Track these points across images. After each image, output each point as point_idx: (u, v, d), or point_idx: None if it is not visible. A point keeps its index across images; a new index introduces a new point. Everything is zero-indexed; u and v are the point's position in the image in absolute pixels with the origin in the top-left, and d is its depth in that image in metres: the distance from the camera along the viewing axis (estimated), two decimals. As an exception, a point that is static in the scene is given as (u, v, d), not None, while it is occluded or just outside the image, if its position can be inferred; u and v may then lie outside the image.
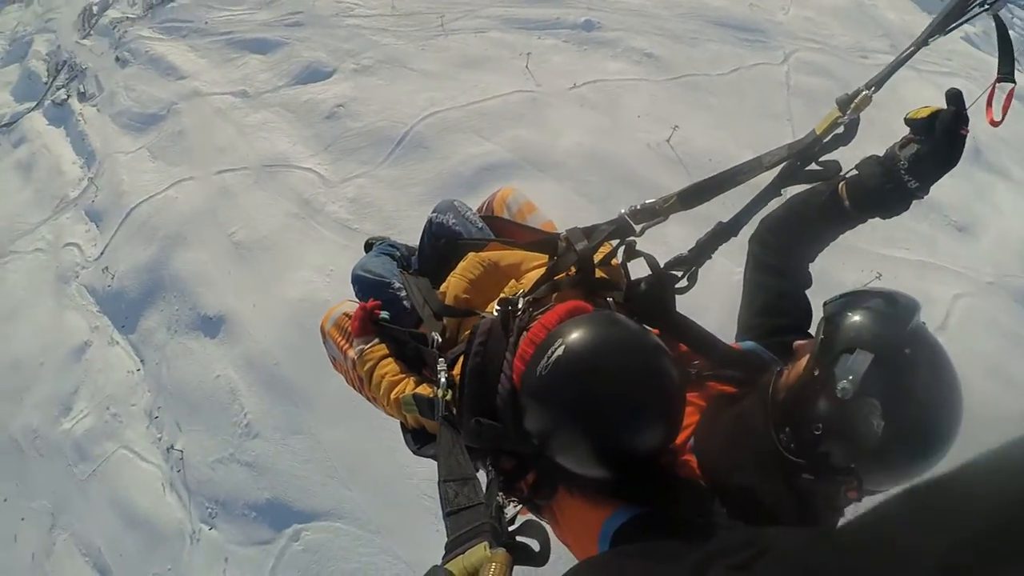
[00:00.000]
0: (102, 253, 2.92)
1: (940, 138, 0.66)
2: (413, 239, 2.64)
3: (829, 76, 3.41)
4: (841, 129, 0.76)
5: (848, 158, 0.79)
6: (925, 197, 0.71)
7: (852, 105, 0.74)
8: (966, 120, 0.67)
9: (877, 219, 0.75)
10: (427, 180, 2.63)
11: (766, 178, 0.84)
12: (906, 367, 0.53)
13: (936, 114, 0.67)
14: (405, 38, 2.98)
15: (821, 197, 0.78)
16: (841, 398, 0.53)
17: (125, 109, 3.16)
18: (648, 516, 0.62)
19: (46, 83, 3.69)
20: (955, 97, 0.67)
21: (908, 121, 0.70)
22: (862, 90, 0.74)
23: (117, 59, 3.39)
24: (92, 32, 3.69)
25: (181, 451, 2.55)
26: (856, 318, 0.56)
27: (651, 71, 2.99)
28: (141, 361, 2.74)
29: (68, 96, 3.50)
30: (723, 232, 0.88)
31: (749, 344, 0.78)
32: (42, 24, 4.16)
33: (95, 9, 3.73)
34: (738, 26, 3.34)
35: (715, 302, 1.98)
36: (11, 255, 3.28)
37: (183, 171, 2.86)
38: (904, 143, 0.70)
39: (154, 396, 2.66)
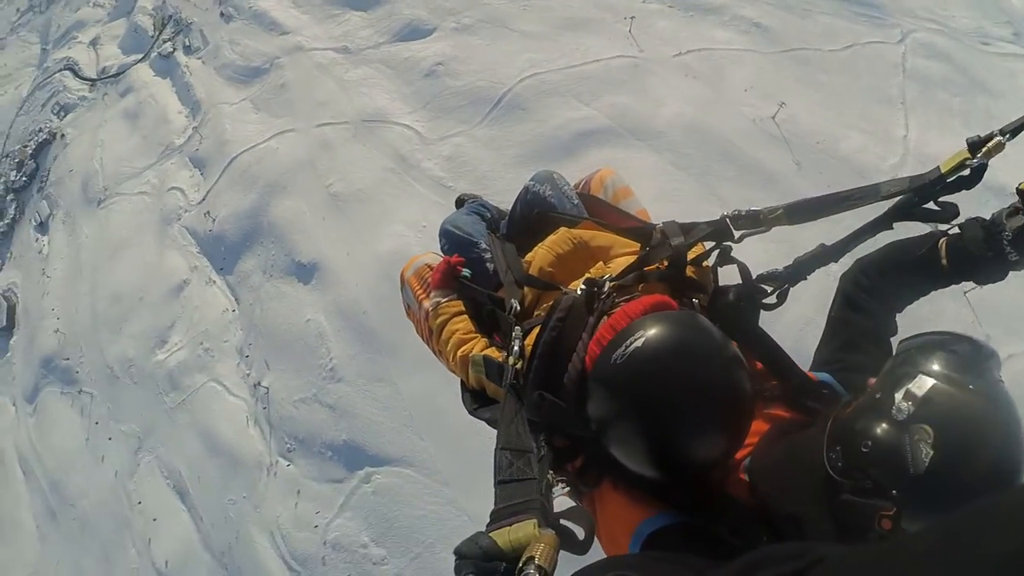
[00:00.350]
0: (204, 198, 3.08)
1: None
2: (506, 200, 2.62)
3: (948, 61, 3.14)
4: (967, 172, 0.72)
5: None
6: None
7: (983, 149, 0.70)
8: None
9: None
10: (524, 142, 2.61)
11: (879, 208, 0.80)
12: (967, 403, 0.53)
13: None
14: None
15: (920, 249, 0.78)
16: (895, 419, 0.54)
17: (229, 62, 3.29)
18: (686, 527, 0.61)
19: (152, 37, 3.89)
20: None
21: (1020, 192, 0.69)
22: (995, 135, 0.70)
23: (221, 14, 3.53)
24: (197, -11, 3.84)
25: (267, 388, 2.67)
26: (928, 350, 0.57)
27: (759, 42, 2.84)
28: (236, 301, 2.87)
29: (174, 49, 3.68)
30: (824, 255, 0.85)
31: (825, 376, 0.77)
32: (147, -18, 4.39)
33: (200, -33, 3.87)
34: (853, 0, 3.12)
35: (808, 292, 1.88)
36: (117, 196, 3.51)
37: (285, 123, 2.95)
38: (1012, 212, 0.70)
39: (246, 335, 2.80)
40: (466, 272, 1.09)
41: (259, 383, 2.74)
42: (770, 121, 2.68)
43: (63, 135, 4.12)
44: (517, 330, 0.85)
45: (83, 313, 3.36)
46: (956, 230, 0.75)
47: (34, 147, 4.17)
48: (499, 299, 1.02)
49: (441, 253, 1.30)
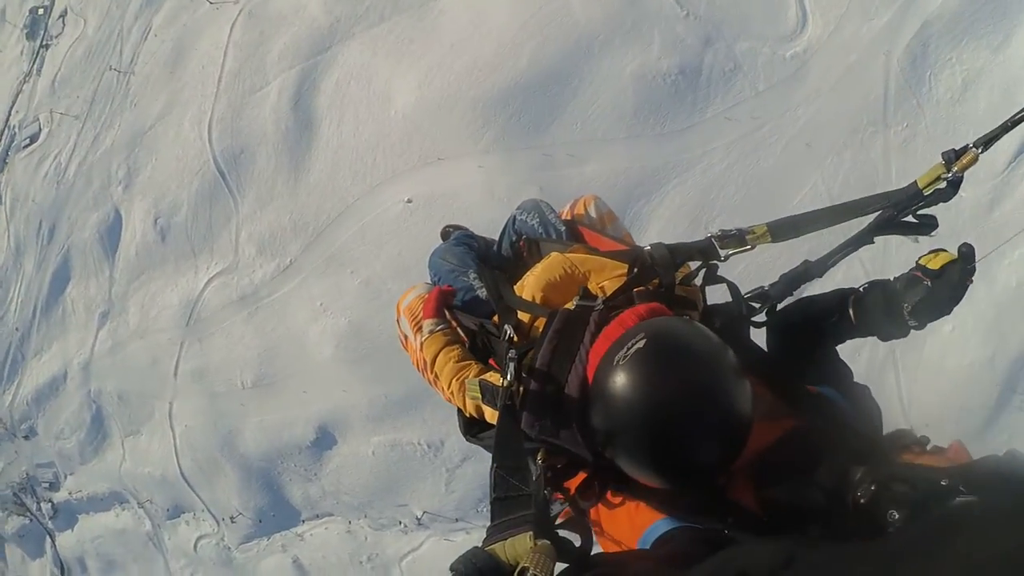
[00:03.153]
0: (217, 519, 2.93)
1: (945, 289, 0.70)
2: (334, 217, 2.43)
3: None
4: (943, 185, 0.75)
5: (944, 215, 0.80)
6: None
7: (958, 163, 0.72)
8: (973, 272, 0.71)
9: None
10: (281, 164, 2.41)
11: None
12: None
13: (947, 266, 0.70)
14: (107, 130, 2.63)
15: (832, 315, 0.83)
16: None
17: (75, 446, 3.00)
18: (690, 530, 0.61)
19: (30, 517, 3.54)
20: (967, 255, 0.70)
21: (920, 266, 0.72)
22: (969, 147, 0.72)
23: (25, 437, 3.21)
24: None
25: (426, 511, 2.65)
26: None
27: None
28: (329, 515, 2.79)
29: (51, 502, 3.40)
30: (808, 273, 0.88)
31: (825, 389, 0.77)
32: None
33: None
34: None
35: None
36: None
37: (160, 414, 2.77)
38: (911, 281, 0.73)
39: (367, 516, 2.73)
40: (457, 300, 1.11)
41: (418, 517, 2.71)
42: None
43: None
44: (512, 352, 0.84)
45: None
46: (863, 292, 0.80)
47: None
48: (493, 325, 1.03)
49: (431, 283, 1.30)
